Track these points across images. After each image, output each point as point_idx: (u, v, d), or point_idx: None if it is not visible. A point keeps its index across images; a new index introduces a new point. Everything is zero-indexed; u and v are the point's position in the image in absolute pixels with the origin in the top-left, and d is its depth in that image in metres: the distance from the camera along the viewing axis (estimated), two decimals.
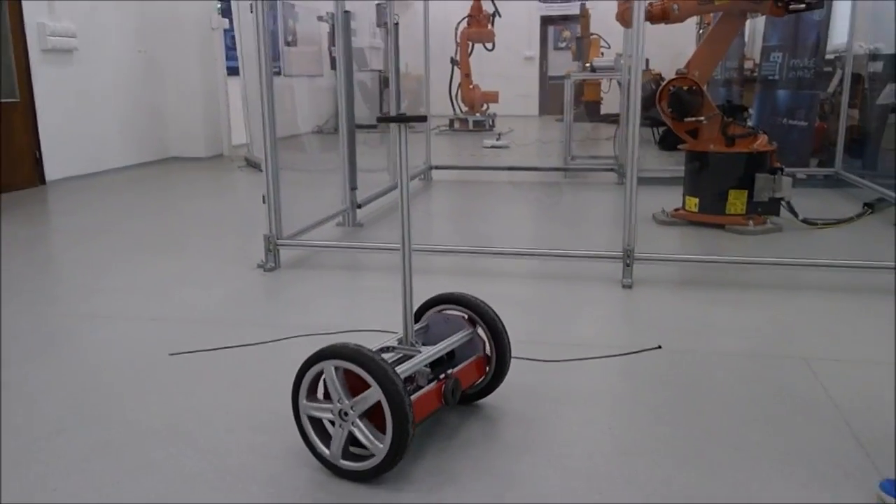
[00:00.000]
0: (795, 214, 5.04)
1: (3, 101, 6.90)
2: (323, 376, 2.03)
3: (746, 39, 10.35)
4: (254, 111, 4.39)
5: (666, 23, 5.07)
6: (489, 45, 12.47)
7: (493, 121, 13.04)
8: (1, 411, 2.42)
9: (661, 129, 9.16)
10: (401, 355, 2.19)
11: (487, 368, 2.38)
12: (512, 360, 2.40)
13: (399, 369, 2.01)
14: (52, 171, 7.40)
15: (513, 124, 13.43)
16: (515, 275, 4.12)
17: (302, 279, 4.03)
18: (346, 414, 1.98)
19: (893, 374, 2.69)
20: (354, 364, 1.94)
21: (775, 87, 7.59)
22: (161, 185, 7.67)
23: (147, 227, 5.50)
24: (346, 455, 2.01)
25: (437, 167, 7.71)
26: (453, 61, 12.51)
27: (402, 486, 1.98)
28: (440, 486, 1.98)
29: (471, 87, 12.82)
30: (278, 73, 11.21)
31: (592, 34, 12.44)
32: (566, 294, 3.81)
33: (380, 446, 1.94)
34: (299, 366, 2.07)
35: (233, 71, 9.44)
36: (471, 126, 12.78)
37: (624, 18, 5.05)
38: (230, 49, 9.61)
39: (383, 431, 1.93)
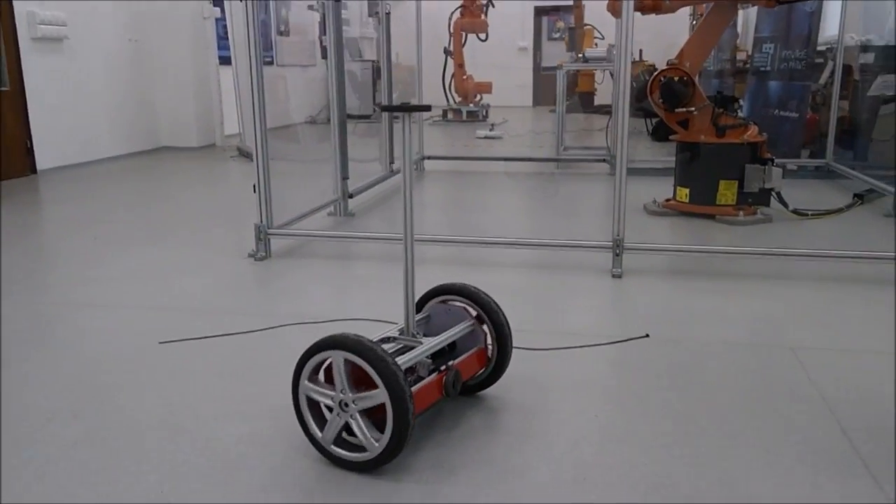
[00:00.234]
0: (785, 205, 5.06)
1: None
2: (328, 361, 2.01)
3: (739, 30, 10.37)
4: (245, 101, 4.38)
5: (657, 13, 5.07)
6: (483, 36, 12.45)
7: (486, 111, 13.04)
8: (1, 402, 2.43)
9: (653, 121, 9.16)
10: (402, 346, 2.19)
11: (488, 360, 2.38)
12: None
13: (400, 360, 2.00)
14: (43, 160, 7.37)
15: (507, 115, 13.42)
16: (506, 264, 4.13)
17: (293, 268, 4.03)
18: (346, 405, 1.97)
19: (882, 363, 2.72)
20: (367, 363, 1.90)
21: (767, 78, 7.61)
22: (153, 174, 7.65)
23: (138, 216, 5.49)
24: (338, 441, 2.01)
25: (429, 157, 7.71)
26: (447, 51, 12.48)
27: (401, 478, 1.98)
28: (440, 479, 1.99)
29: (464, 77, 12.80)
30: (270, 63, 11.19)
31: (586, 25, 12.43)
32: (556, 283, 3.82)
33: (374, 444, 1.93)
34: (304, 350, 2.03)
35: (225, 60, 9.41)
36: (464, 116, 12.77)
37: (615, 9, 5.04)
38: (222, 38, 9.57)
39: (381, 430, 1.93)
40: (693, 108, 5.08)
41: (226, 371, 2.69)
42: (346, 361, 1.95)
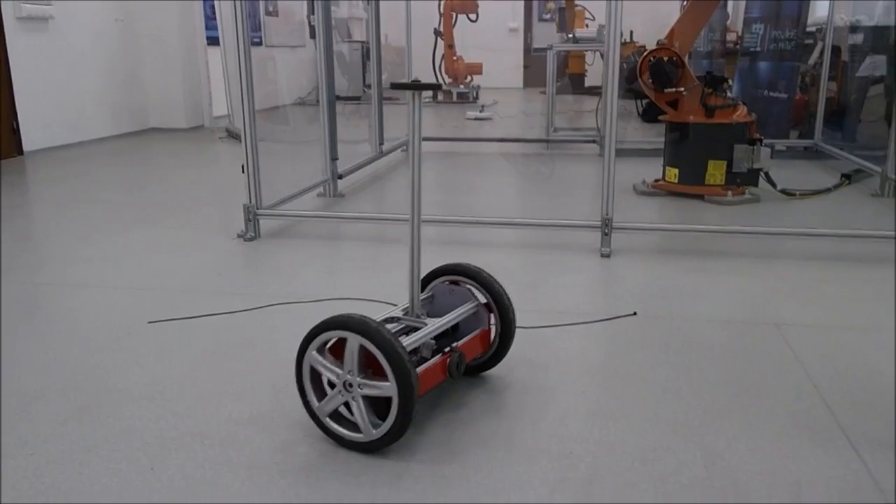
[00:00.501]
0: (774, 185, 5.09)
1: None
2: (341, 339, 1.98)
3: (730, 11, 10.34)
4: (233, 82, 4.36)
5: None
6: (473, 17, 12.38)
7: (476, 93, 13.00)
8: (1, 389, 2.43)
9: (644, 102, 9.14)
10: (404, 326, 2.18)
11: (491, 342, 2.37)
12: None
13: (406, 341, 1.98)
14: (29, 141, 7.31)
15: (497, 96, 13.39)
16: (495, 244, 4.14)
17: (282, 249, 4.03)
18: (351, 386, 1.95)
19: (866, 339, 2.75)
20: (383, 356, 1.87)
21: (757, 58, 7.61)
22: (141, 155, 7.60)
23: (127, 197, 5.46)
24: (333, 415, 2.01)
25: None
26: (437, 32, 12.41)
27: (407, 457, 1.98)
28: (444, 458, 2.01)
29: (454, 58, 12.74)
30: (259, 44, 11.11)
31: (577, 5, 12.37)
32: (544, 262, 3.84)
33: (372, 431, 1.93)
34: (321, 321, 1.99)
35: (213, 41, 9.33)
36: (454, 98, 12.73)
37: None
38: (210, 19, 9.48)
39: (379, 417, 1.93)
40: (682, 89, 5.09)
41: (215, 350, 2.69)
42: (362, 347, 1.92)
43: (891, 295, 3.22)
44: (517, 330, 2.40)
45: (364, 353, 1.93)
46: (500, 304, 2.35)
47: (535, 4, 17.87)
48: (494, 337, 2.38)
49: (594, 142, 7.45)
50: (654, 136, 6.93)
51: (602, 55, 8.18)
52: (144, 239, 4.22)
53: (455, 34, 12.60)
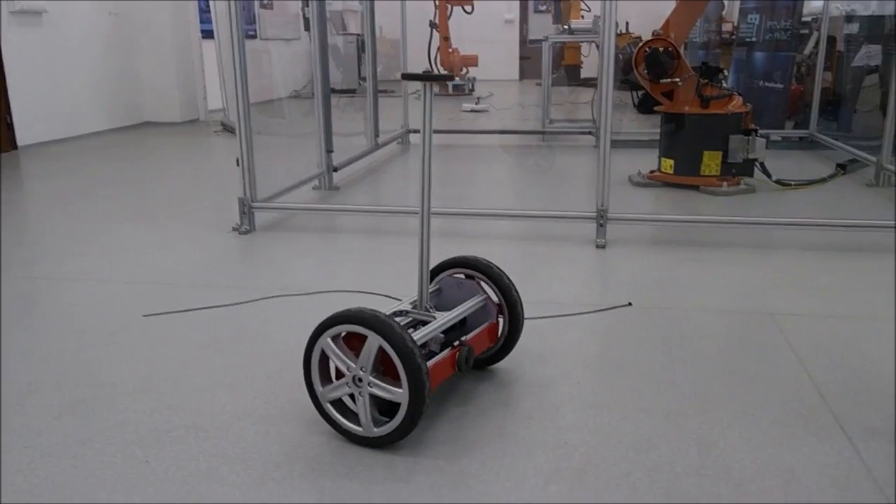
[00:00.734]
0: (769, 175, 5.09)
1: None
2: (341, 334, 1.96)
3: (725, 1, 10.33)
4: (228, 75, 4.33)
5: None
6: (468, 8, 12.33)
7: (472, 85, 12.97)
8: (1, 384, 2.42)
9: (639, 93, 9.15)
10: (412, 319, 2.17)
11: (499, 335, 2.36)
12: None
13: (415, 335, 1.97)
14: (23, 136, 7.28)
15: (493, 88, 13.36)
16: (491, 235, 4.14)
17: (277, 241, 4.03)
18: (360, 381, 1.93)
19: (859, 328, 2.76)
20: (402, 364, 1.85)
21: (752, 48, 7.60)
22: (136, 150, 7.58)
23: (122, 191, 5.45)
24: (334, 402, 2.00)
25: (414, 131, 7.67)
26: (432, 24, 12.38)
27: (419, 452, 1.97)
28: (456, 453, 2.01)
29: (450, 50, 12.70)
30: (253, 37, 11.07)
31: None
32: (540, 254, 3.84)
33: (373, 429, 1.92)
34: (343, 309, 1.96)
35: (208, 34, 9.30)
36: (450, 90, 12.70)
37: None
38: (204, 12, 9.45)
39: (383, 415, 1.93)
40: (678, 79, 5.08)
41: (210, 343, 2.69)
42: (381, 348, 1.89)
43: (886, 284, 3.23)
44: None
45: (381, 353, 1.91)
46: (508, 298, 2.33)
47: None
48: (502, 331, 2.37)
49: (590, 133, 7.44)
50: (650, 126, 6.93)
51: (598, 46, 8.16)
52: (139, 233, 4.22)
53: (450, 26, 12.56)
